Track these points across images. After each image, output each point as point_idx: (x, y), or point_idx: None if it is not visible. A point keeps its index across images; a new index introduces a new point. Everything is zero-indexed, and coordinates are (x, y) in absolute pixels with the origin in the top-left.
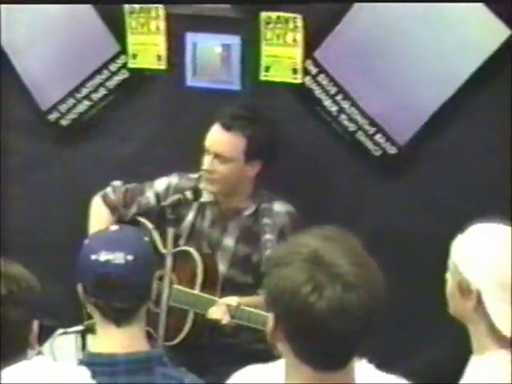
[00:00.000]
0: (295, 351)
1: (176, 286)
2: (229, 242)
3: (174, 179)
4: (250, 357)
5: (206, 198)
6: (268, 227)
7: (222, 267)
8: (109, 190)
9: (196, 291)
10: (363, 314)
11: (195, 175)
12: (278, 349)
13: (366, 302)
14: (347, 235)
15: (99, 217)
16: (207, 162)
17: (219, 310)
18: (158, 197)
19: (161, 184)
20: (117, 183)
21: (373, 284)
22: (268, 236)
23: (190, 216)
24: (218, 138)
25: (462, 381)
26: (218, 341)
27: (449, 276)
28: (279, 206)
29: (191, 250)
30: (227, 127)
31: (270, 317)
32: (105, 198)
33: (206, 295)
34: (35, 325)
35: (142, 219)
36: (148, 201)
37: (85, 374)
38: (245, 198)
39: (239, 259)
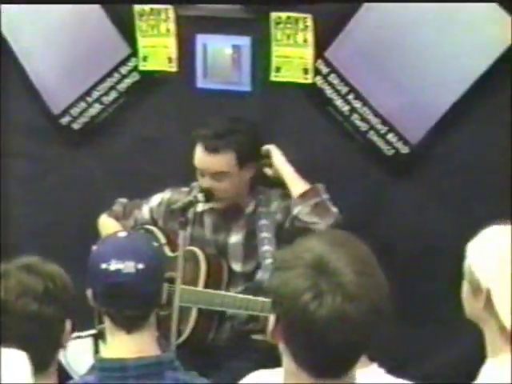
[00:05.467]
0: (293, 355)
1: (181, 286)
2: (236, 240)
3: (166, 194)
4: (255, 351)
5: (201, 207)
6: (265, 227)
7: (236, 266)
8: (113, 206)
9: (200, 288)
10: (362, 325)
11: (186, 189)
12: (279, 348)
13: (366, 313)
14: (355, 241)
15: (107, 226)
16: (205, 182)
17: None
18: (151, 212)
19: (155, 199)
20: (121, 200)
21: (375, 296)
22: (264, 234)
23: (188, 226)
24: (207, 161)
25: None
26: (223, 337)
27: (464, 278)
28: (275, 193)
29: (196, 249)
30: (213, 149)
31: (271, 316)
32: (109, 212)
33: (211, 291)
34: (68, 324)
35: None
36: (142, 215)
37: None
38: (244, 198)
39: (251, 254)
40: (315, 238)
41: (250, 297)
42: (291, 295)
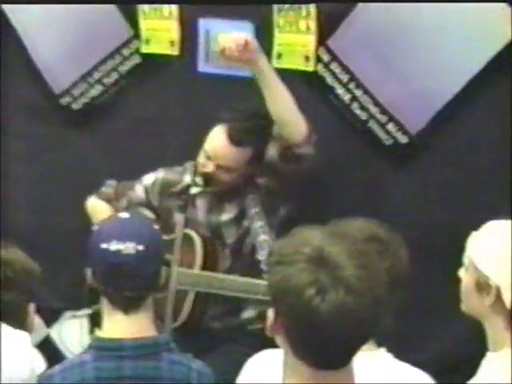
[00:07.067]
0: (293, 348)
1: (178, 269)
2: (228, 217)
3: (160, 173)
4: (252, 336)
5: (194, 190)
6: (253, 202)
7: (229, 240)
8: (102, 188)
9: (197, 271)
10: (365, 318)
11: (179, 168)
12: (277, 342)
13: (368, 306)
14: (350, 230)
15: (98, 208)
16: (209, 167)
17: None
18: (146, 190)
19: (148, 178)
20: (110, 181)
21: (376, 288)
22: (254, 210)
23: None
24: (224, 151)
25: (476, 376)
26: (219, 321)
27: (464, 273)
28: None
29: (191, 232)
30: (236, 142)
31: (270, 310)
32: (98, 195)
33: (210, 273)
34: (32, 308)
35: (142, 209)
36: (137, 195)
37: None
38: (238, 183)
39: (243, 231)
40: (312, 229)
41: (252, 280)
42: (294, 291)
